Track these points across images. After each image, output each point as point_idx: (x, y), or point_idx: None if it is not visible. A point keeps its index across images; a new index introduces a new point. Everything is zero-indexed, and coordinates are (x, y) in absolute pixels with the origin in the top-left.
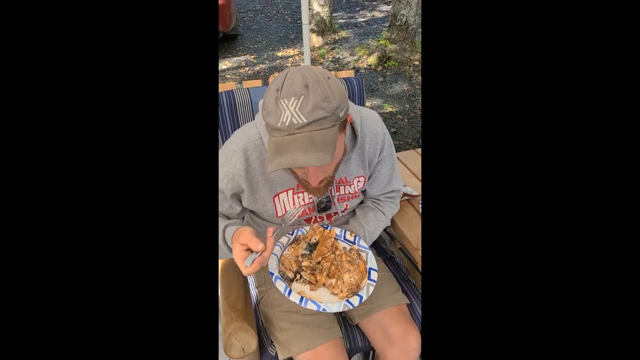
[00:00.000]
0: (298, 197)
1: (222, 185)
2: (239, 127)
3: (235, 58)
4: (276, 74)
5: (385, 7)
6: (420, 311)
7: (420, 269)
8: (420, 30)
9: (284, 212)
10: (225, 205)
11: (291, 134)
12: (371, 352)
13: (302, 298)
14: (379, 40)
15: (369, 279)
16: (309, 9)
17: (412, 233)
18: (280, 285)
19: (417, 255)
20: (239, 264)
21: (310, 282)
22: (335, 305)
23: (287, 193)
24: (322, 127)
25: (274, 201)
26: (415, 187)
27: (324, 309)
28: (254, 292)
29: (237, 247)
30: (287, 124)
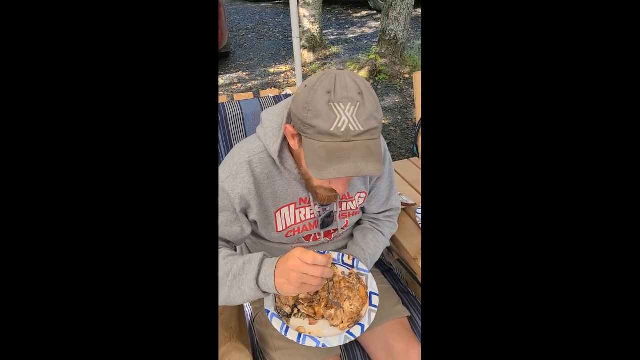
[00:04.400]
0: (300, 212)
1: (232, 200)
2: (229, 138)
3: (228, 75)
4: (270, 89)
5: (374, 24)
6: (421, 323)
7: (419, 279)
8: (409, 44)
9: (284, 228)
10: (236, 228)
11: (348, 140)
12: None
13: (299, 335)
14: (369, 55)
15: (370, 304)
16: (300, 26)
17: (410, 243)
18: (277, 323)
19: (416, 266)
20: (317, 275)
21: (308, 316)
22: (335, 338)
23: (289, 207)
24: (374, 137)
25: (275, 216)
26: (411, 196)
27: (323, 345)
28: (248, 309)
29: (305, 266)
30: (342, 129)
